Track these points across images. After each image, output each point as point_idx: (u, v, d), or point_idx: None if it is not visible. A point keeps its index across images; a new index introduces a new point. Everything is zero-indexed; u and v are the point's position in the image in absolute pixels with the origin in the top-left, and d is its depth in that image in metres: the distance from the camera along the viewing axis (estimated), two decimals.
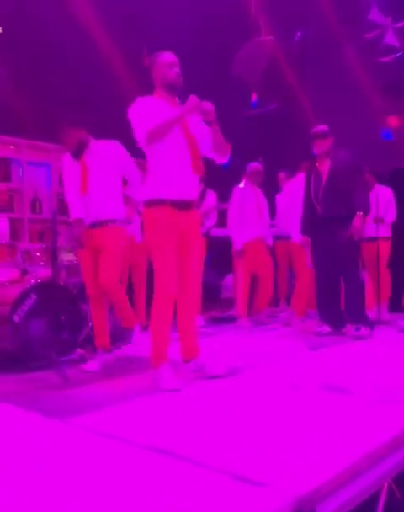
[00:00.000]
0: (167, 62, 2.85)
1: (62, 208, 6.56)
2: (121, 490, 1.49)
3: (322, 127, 4.30)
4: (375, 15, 7.10)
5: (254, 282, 5.33)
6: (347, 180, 4.19)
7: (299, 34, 7.34)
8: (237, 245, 5.08)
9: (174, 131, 2.75)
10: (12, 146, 6.24)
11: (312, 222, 4.36)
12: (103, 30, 6.05)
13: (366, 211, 4.20)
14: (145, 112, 2.76)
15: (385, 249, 5.33)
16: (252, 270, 5.14)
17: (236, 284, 5.16)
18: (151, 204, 2.81)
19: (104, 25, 6.05)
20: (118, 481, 1.55)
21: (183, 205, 2.82)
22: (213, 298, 5.31)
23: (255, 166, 5.20)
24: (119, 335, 3.97)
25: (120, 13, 6.10)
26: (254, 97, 7.55)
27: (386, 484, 1.82)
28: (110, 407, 2.35)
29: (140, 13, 6.21)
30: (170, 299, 2.77)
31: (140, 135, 2.75)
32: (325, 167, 4.30)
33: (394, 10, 6.95)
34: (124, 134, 2.97)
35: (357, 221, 4.11)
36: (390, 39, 7.05)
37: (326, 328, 4.33)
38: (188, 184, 2.84)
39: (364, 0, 6.93)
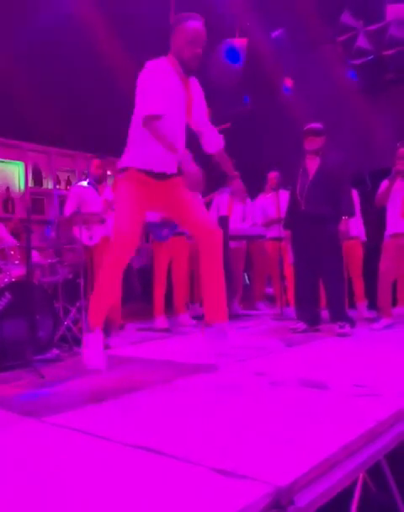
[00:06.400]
0: (189, 38, 2.54)
1: (35, 207, 6.51)
2: (101, 486, 1.48)
3: (317, 124, 4.31)
4: (347, 18, 7.21)
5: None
6: (333, 181, 4.24)
7: (274, 34, 7.40)
8: None
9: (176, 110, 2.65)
10: None
11: (295, 218, 4.42)
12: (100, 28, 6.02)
13: (351, 215, 4.31)
14: (154, 87, 2.51)
15: (358, 249, 5.45)
16: None
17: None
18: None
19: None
20: (97, 477, 1.54)
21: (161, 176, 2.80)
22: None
23: None
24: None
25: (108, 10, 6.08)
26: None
27: (361, 478, 1.85)
28: (88, 405, 2.33)
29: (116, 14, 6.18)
30: None
31: (141, 111, 2.58)
32: (313, 164, 4.32)
33: (365, 13, 7.06)
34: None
35: (343, 225, 4.22)
36: (362, 42, 7.16)
37: (302, 325, 4.36)
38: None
39: (337, 2, 7.02)
